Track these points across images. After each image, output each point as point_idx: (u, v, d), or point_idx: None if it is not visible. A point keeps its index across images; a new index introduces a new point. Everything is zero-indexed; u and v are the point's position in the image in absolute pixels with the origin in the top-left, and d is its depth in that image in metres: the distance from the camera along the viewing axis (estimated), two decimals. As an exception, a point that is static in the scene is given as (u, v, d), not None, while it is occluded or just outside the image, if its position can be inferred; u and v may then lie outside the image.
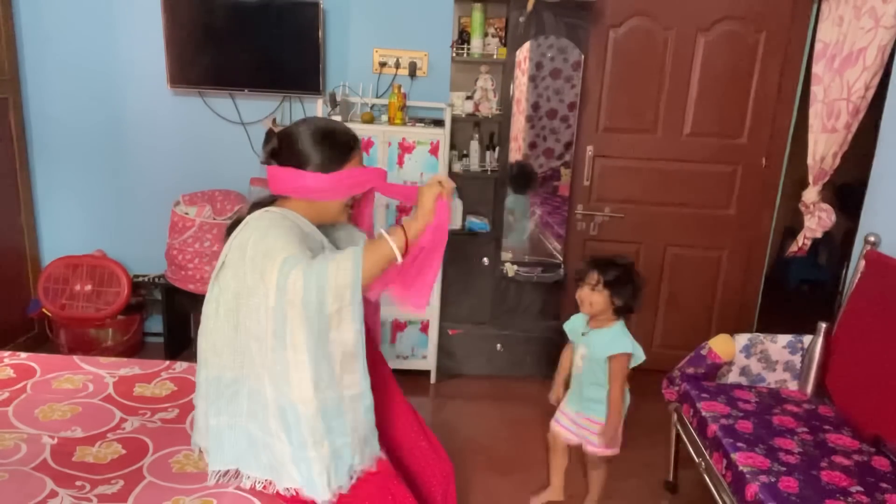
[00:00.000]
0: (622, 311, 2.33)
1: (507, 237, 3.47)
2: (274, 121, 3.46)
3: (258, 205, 1.68)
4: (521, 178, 3.43)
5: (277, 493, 1.56)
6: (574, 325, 2.45)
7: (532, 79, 3.29)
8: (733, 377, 2.63)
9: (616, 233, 3.55)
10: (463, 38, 3.39)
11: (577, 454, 2.55)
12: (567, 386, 2.50)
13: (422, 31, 3.46)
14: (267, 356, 1.50)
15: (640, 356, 2.33)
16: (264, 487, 1.57)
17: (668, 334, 3.69)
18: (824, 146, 2.75)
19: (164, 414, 1.94)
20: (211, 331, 1.61)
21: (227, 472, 1.60)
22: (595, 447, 2.37)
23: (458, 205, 3.46)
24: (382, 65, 3.48)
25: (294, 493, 1.55)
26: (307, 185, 1.59)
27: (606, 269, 2.29)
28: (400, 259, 1.52)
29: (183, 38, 3.33)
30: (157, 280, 3.60)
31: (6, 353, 2.24)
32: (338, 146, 1.61)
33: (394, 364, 3.49)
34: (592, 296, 2.29)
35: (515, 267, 3.44)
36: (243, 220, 1.60)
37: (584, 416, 2.40)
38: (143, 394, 2.04)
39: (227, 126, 3.56)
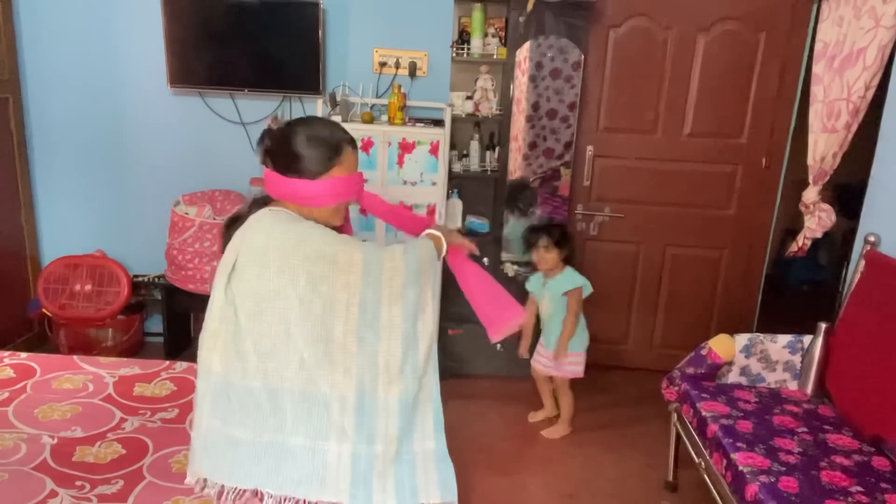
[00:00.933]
0: (567, 260, 2.97)
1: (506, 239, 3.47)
2: (276, 118, 3.46)
3: (258, 202, 1.63)
4: (519, 195, 3.44)
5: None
6: (534, 284, 3.05)
7: (532, 79, 3.29)
8: (733, 377, 2.63)
9: (616, 233, 3.55)
10: (463, 38, 3.39)
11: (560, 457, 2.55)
12: (537, 337, 3.09)
13: (422, 31, 3.46)
14: (335, 355, 1.46)
15: (588, 287, 2.95)
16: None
17: (668, 334, 3.69)
18: (824, 146, 2.75)
19: (164, 414, 1.94)
20: (228, 334, 1.53)
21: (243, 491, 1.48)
22: (561, 372, 2.97)
23: (457, 204, 3.46)
24: (382, 65, 3.48)
25: None
26: (297, 190, 1.54)
27: (551, 231, 2.94)
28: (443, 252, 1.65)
29: (183, 38, 3.33)
30: (157, 280, 3.60)
31: (6, 353, 2.24)
32: (325, 151, 1.54)
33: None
34: (546, 255, 2.93)
35: (515, 267, 3.44)
36: (246, 220, 1.54)
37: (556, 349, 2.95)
38: (143, 394, 2.04)
39: (227, 126, 3.56)
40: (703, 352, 2.60)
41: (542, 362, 3.06)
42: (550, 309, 2.99)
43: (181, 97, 3.52)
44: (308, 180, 1.53)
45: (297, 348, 1.44)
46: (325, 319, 1.45)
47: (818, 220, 2.85)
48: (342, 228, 1.69)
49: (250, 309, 1.47)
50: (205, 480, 1.50)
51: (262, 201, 1.63)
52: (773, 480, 1.92)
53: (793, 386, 2.61)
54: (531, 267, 3.13)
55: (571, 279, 2.94)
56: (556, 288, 2.95)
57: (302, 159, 1.52)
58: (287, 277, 1.43)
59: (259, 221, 1.51)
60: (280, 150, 1.55)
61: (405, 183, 3.27)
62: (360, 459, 1.49)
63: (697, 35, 3.31)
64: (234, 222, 1.57)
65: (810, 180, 2.85)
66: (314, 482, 1.47)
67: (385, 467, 1.51)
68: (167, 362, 2.26)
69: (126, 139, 3.58)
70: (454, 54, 3.40)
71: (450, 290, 3.46)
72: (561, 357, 2.92)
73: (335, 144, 1.55)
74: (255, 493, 1.48)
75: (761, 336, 2.61)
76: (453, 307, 3.49)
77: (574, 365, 2.98)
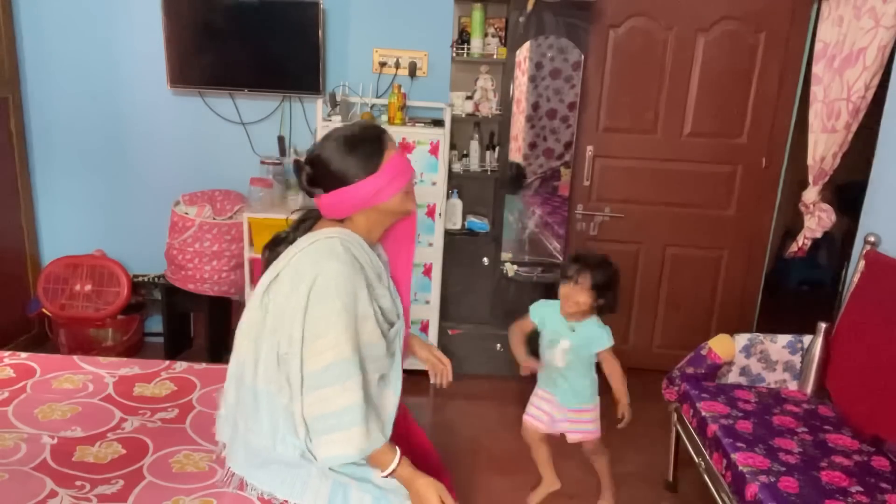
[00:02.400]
0: (602, 309, 2.36)
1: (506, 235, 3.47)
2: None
3: (307, 219, 1.64)
4: (516, 177, 3.43)
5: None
6: (549, 319, 2.41)
7: (532, 79, 3.29)
8: (733, 377, 2.63)
9: (616, 233, 3.55)
10: (463, 38, 3.39)
11: (559, 449, 2.55)
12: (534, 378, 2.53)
13: (422, 31, 3.46)
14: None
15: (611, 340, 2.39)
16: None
17: (668, 334, 3.69)
18: (824, 146, 2.75)
19: (163, 414, 1.94)
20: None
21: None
22: (593, 434, 2.44)
23: (457, 204, 3.46)
24: (382, 65, 3.48)
25: None
26: (363, 195, 1.52)
27: (597, 271, 2.29)
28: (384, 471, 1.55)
29: (183, 38, 3.34)
30: (156, 280, 3.60)
31: (6, 353, 2.24)
32: (368, 144, 1.54)
33: (394, 364, 3.49)
34: (580, 294, 2.29)
35: (515, 267, 3.44)
36: (294, 242, 1.57)
37: (579, 408, 2.43)
38: (143, 394, 2.04)
39: (227, 126, 3.56)
40: (703, 352, 2.60)
41: (543, 419, 2.47)
42: (569, 357, 2.37)
43: (181, 97, 3.52)
44: (368, 178, 1.51)
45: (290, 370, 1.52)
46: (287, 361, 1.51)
47: (818, 220, 2.85)
48: (411, 219, 1.71)
49: (271, 323, 1.52)
50: (224, 445, 1.64)
51: (304, 220, 1.65)
52: (772, 480, 1.92)
53: (793, 386, 2.61)
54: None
55: (606, 334, 2.35)
56: (586, 340, 2.35)
57: (352, 165, 1.51)
58: (303, 333, 1.48)
59: (316, 254, 1.52)
60: (326, 171, 1.53)
61: (405, 183, 3.26)
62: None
63: (697, 35, 3.31)
64: (278, 244, 1.60)
65: (810, 180, 2.85)
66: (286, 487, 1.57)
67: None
68: (167, 362, 2.26)
69: (126, 139, 3.58)
70: (454, 54, 3.40)
71: (450, 290, 3.47)
72: (627, 411, 2.38)
73: (372, 136, 1.55)
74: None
75: (761, 336, 2.61)
76: (453, 307, 3.50)
77: (597, 421, 2.46)
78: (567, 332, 2.37)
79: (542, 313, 2.43)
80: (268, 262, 1.60)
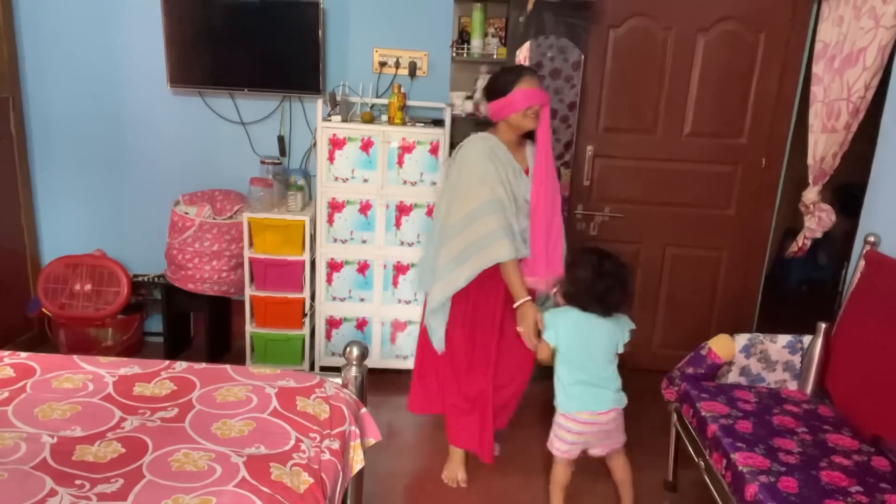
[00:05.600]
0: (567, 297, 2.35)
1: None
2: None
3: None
4: None
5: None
6: (568, 319, 2.31)
7: (532, 79, 3.29)
8: (733, 377, 2.63)
9: (616, 233, 3.55)
10: (463, 37, 3.39)
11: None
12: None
13: (422, 31, 3.46)
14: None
15: None
16: None
17: (668, 334, 3.69)
18: (824, 146, 2.75)
19: (163, 413, 1.94)
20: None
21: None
22: (621, 439, 2.40)
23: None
24: (382, 64, 3.48)
25: None
26: (496, 108, 2.41)
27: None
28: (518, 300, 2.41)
29: (183, 38, 3.34)
30: (156, 280, 3.60)
31: (6, 353, 2.24)
32: (508, 74, 2.41)
33: (394, 364, 3.50)
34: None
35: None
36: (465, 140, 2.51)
37: (618, 408, 2.34)
38: (143, 393, 2.04)
39: (227, 126, 3.57)
40: (703, 352, 2.60)
41: (588, 435, 2.33)
42: (612, 352, 2.33)
43: (181, 97, 3.52)
44: (501, 98, 2.38)
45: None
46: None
47: (818, 220, 2.85)
48: (539, 132, 2.44)
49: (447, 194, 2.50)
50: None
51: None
52: (772, 480, 1.92)
53: (792, 386, 2.61)
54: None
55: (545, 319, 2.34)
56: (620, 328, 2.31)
57: (499, 84, 2.40)
58: (454, 188, 2.46)
59: (470, 143, 2.47)
60: (488, 86, 2.49)
61: (405, 183, 3.27)
62: None
63: (697, 35, 3.31)
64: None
65: (810, 180, 2.85)
66: None
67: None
68: (167, 362, 2.25)
69: (126, 139, 3.58)
70: (454, 54, 3.40)
71: (450, 290, 3.46)
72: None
73: (516, 72, 2.41)
74: None
75: (761, 336, 2.61)
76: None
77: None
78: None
79: (567, 316, 2.33)
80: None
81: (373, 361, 3.25)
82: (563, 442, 2.34)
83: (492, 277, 2.42)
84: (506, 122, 2.42)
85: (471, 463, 2.77)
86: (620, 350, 2.34)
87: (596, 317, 2.29)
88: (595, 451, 2.39)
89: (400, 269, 3.37)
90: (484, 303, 2.53)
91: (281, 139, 3.55)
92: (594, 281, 2.25)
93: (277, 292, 3.34)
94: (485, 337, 2.55)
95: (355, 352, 2.08)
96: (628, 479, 2.46)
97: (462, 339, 2.57)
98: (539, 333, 2.37)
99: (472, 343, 2.57)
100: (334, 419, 1.93)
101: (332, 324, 3.44)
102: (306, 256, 3.32)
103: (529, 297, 2.39)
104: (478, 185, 2.37)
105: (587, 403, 2.30)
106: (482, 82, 3.37)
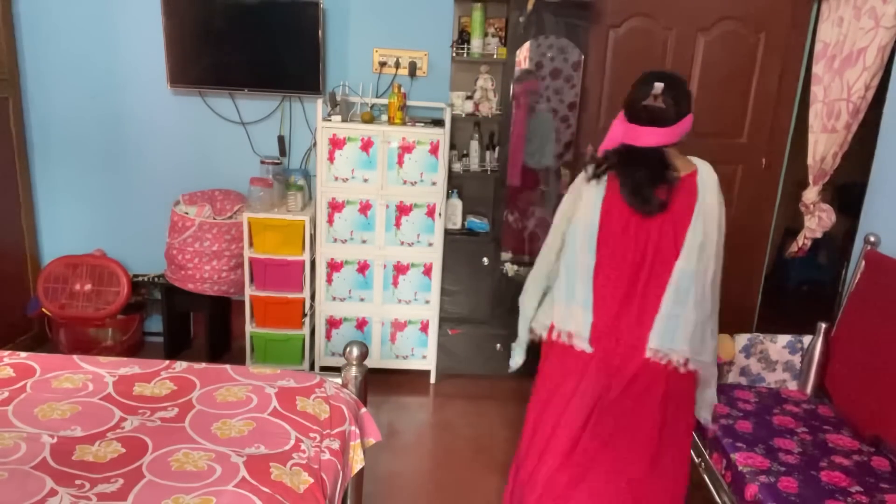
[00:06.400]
0: None
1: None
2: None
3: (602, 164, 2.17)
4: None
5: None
6: None
7: (532, 79, 3.29)
8: (733, 377, 2.63)
9: (616, 233, 3.54)
10: (463, 37, 3.39)
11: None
12: None
13: (422, 31, 3.46)
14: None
15: None
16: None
17: (668, 334, 3.69)
18: (824, 146, 2.75)
19: (163, 413, 1.94)
20: None
21: None
22: None
23: (457, 204, 3.46)
24: (382, 64, 3.48)
25: None
26: (688, 125, 2.16)
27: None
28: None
29: (183, 38, 3.34)
30: (156, 280, 3.60)
31: (6, 353, 2.24)
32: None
33: (394, 364, 3.50)
34: None
35: (515, 267, 3.44)
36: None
37: None
38: (143, 393, 2.04)
39: (227, 126, 3.56)
40: (703, 352, 2.59)
41: None
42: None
43: (181, 97, 3.52)
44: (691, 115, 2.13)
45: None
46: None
47: (818, 220, 2.85)
48: None
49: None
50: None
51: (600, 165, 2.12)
52: (772, 480, 1.92)
53: (792, 386, 2.61)
54: None
55: None
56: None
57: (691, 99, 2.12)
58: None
59: (704, 166, 2.23)
60: (689, 99, 2.18)
61: (405, 183, 3.27)
62: None
63: (697, 35, 3.31)
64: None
65: (810, 180, 2.85)
66: None
67: None
68: (167, 362, 2.25)
69: (126, 139, 3.58)
70: (454, 54, 3.40)
71: (450, 290, 3.47)
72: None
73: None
74: None
75: (761, 336, 2.61)
76: (453, 307, 3.50)
77: None
78: None
79: None
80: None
81: (373, 361, 3.25)
82: None
83: None
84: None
85: (471, 463, 2.77)
86: None
87: None
88: None
89: (400, 268, 3.37)
90: None
91: (281, 139, 3.56)
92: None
93: (277, 292, 3.34)
94: None
95: (355, 352, 2.08)
96: None
97: None
98: None
99: None
100: (334, 419, 1.93)
101: (332, 324, 3.45)
102: (306, 256, 3.32)
103: None
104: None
105: None
106: (482, 82, 3.37)
